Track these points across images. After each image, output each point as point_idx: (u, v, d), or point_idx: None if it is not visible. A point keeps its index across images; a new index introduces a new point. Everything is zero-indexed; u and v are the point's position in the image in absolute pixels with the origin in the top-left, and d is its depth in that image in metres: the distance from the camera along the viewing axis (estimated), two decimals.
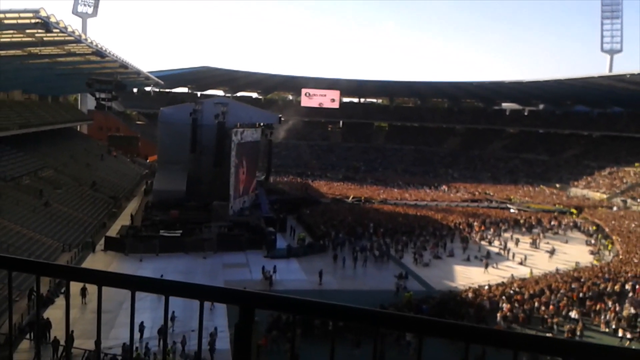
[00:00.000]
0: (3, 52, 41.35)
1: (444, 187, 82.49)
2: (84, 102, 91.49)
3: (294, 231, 48.10)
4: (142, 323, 22.59)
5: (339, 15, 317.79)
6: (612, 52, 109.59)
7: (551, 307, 30.42)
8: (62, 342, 20.56)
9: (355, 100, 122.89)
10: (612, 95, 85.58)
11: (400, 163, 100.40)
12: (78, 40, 40.01)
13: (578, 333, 27.37)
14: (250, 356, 1.77)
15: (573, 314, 29.88)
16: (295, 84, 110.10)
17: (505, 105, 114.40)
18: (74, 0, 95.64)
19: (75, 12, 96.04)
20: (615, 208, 65.61)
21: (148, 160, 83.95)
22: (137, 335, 22.56)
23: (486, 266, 39.78)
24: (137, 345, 21.83)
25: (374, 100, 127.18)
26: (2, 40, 38.32)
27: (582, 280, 35.34)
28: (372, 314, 1.64)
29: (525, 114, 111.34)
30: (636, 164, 79.83)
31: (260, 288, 33.33)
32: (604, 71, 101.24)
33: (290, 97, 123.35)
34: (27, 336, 22.54)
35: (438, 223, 53.44)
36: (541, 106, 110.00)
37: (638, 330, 27.78)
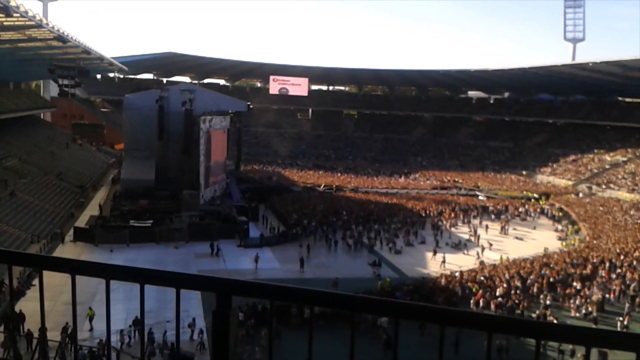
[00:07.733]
0: None
1: (416, 175, 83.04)
2: (46, 88, 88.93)
3: (267, 220, 47.85)
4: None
5: (307, 1, 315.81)
6: (575, 41, 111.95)
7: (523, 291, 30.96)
8: (36, 335, 20.09)
9: (324, 87, 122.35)
10: (575, 84, 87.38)
11: (369, 151, 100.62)
12: (39, 25, 39.09)
13: (549, 318, 27.92)
14: (229, 344, 1.78)
15: (543, 299, 30.49)
16: (263, 71, 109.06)
17: (471, 93, 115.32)
18: None
19: None
20: (580, 194, 67.06)
21: (115, 149, 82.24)
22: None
23: (434, 253, 39.95)
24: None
25: (343, 88, 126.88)
26: None
27: (552, 265, 36.06)
28: (348, 299, 1.66)
29: (491, 102, 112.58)
30: (599, 151, 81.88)
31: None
32: (567, 60, 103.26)
33: (259, 85, 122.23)
34: (1, 329, 22.00)
35: (409, 211, 53.82)
36: (506, 94, 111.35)
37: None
